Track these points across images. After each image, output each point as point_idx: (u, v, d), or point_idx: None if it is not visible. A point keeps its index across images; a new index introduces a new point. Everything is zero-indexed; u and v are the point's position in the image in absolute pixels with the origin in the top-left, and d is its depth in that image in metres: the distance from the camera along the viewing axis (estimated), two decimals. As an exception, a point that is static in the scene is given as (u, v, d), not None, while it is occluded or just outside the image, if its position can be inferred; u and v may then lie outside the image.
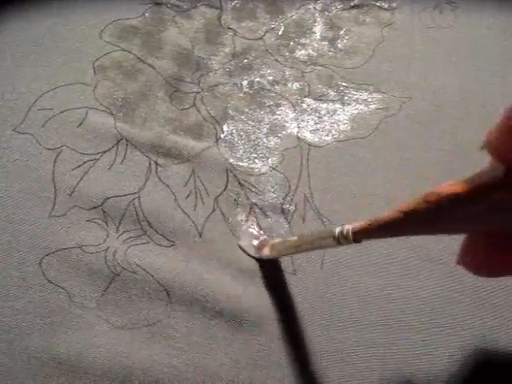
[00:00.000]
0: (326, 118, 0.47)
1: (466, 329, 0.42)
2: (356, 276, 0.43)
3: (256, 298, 0.42)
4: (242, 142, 0.46)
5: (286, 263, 0.43)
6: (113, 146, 0.45)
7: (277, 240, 0.42)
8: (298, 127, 0.46)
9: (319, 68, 0.48)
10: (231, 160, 0.45)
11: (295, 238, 0.40)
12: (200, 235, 0.43)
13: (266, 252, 0.42)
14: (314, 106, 0.47)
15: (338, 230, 0.36)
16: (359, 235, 0.34)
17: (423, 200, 0.31)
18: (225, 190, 0.44)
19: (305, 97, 0.47)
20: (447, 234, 0.34)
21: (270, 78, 0.48)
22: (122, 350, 0.40)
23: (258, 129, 0.46)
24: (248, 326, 0.41)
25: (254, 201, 0.44)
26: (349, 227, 0.35)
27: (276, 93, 0.47)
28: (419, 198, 0.31)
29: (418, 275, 0.43)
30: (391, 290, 0.43)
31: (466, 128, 0.47)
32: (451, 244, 0.44)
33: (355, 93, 0.48)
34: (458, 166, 0.45)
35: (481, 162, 0.44)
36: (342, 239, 0.35)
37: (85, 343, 0.40)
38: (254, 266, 0.43)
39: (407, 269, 0.44)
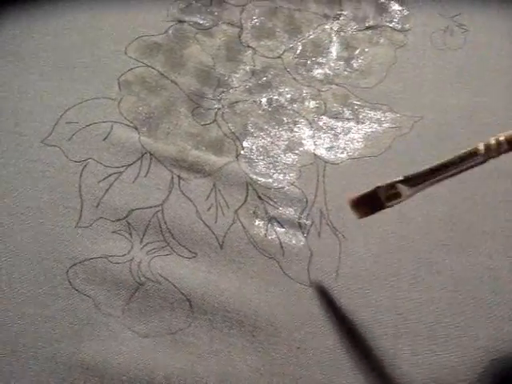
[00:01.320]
0: (341, 136, 0.49)
1: (471, 340, 0.44)
2: (367, 288, 0.45)
3: (274, 308, 0.43)
4: (261, 157, 0.48)
5: (301, 276, 0.45)
6: (137, 160, 0.47)
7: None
8: (315, 144, 0.48)
9: (335, 87, 0.50)
10: (251, 175, 0.47)
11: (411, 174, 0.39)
12: (221, 247, 0.45)
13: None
14: (330, 124, 0.49)
15: (482, 145, 0.36)
16: None
17: None
18: (244, 203, 0.46)
19: (321, 115, 0.49)
20: None
21: (288, 95, 0.50)
22: (146, 357, 0.42)
23: (277, 145, 0.48)
24: (266, 335, 0.43)
25: (272, 214, 0.46)
26: (499, 137, 0.35)
27: (294, 110, 0.49)
28: None
29: (426, 287, 0.46)
30: (400, 303, 0.45)
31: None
32: (459, 257, 0.46)
33: (369, 112, 0.50)
34: (469, 183, 0.48)
35: (488, 180, 0.46)
36: (493, 152, 0.35)
37: (110, 350, 0.42)
38: (274, 276, 0.45)
39: (416, 281, 0.46)
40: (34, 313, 0.43)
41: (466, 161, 0.37)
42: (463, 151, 0.37)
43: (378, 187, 0.41)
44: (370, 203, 0.42)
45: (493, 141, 0.35)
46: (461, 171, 0.38)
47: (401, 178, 0.40)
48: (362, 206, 0.43)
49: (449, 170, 0.38)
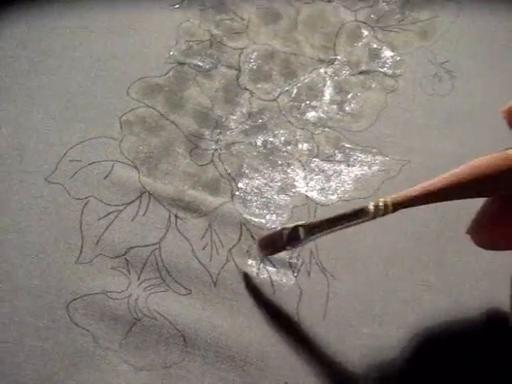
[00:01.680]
0: (332, 178, 0.51)
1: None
2: (354, 327, 0.47)
3: (264, 344, 0.45)
4: (255, 198, 0.50)
5: (291, 311, 0.47)
6: (136, 199, 0.49)
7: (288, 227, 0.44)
8: (307, 186, 0.50)
9: (328, 130, 0.52)
10: (245, 215, 0.49)
11: (310, 221, 0.42)
12: (215, 284, 0.47)
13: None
14: (322, 166, 0.51)
15: (371, 205, 0.38)
16: (400, 205, 0.38)
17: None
18: (238, 242, 0.48)
19: (314, 157, 0.51)
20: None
21: (283, 138, 0.52)
22: (141, 389, 0.44)
23: (270, 187, 0.50)
24: (256, 369, 0.45)
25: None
26: (386, 200, 0.38)
27: (287, 152, 0.51)
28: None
29: (410, 327, 0.48)
30: (385, 342, 0.47)
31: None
32: (443, 297, 0.49)
33: (360, 155, 0.52)
34: (450, 225, 0.49)
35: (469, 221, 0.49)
36: (379, 212, 0.38)
37: (107, 382, 0.44)
38: (265, 313, 0.47)
39: (400, 321, 0.48)
40: (34, 345, 0.45)
41: (356, 217, 0.39)
42: (355, 208, 0.40)
43: (284, 228, 0.44)
44: (274, 243, 0.45)
45: (381, 203, 0.38)
46: (351, 225, 0.41)
47: (303, 222, 0.43)
48: (267, 245, 0.46)
49: (340, 223, 0.40)
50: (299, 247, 0.46)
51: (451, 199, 0.39)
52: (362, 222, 0.40)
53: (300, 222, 0.44)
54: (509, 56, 0.57)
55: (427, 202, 0.39)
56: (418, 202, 0.39)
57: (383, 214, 0.39)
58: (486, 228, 0.41)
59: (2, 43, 0.54)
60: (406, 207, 0.39)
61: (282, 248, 0.45)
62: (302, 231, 0.43)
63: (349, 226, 0.42)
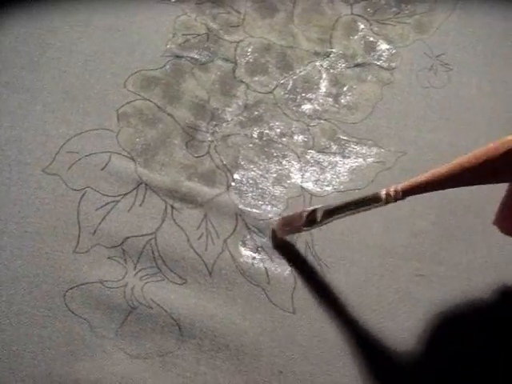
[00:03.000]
0: (327, 170, 0.51)
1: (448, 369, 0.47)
2: (348, 317, 0.47)
3: (259, 333, 0.46)
4: (251, 189, 0.50)
5: (285, 304, 0.47)
6: (133, 189, 0.49)
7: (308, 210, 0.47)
8: (302, 177, 0.51)
9: (323, 122, 0.53)
10: (240, 206, 0.49)
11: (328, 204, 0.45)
12: (210, 274, 0.48)
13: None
14: (317, 157, 0.52)
15: (383, 192, 0.41)
16: (410, 192, 0.40)
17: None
18: (233, 232, 0.49)
19: (309, 149, 0.52)
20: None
21: (278, 130, 0.52)
22: (137, 376, 0.45)
23: (266, 178, 0.51)
24: (251, 358, 0.46)
25: (259, 244, 0.49)
26: (397, 186, 0.41)
27: (283, 144, 0.52)
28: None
29: (405, 316, 0.48)
30: (379, 331, 0.47)
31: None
32: (436, 287, 0.49)
33: (355, 147, 0.52)
34: (446, 219, 0.50)
35: (465, 215, 0.49)
36: (390, 199, 0.41)
37: (103, 370, 0.45)
38: (259, 303, 0.47)
39: (395, 310, 0.48)
40: (31, 333, 0.45)
41: (370, 202, 0.43)
42: (369, 195, 0.43)
43: (304, 211, 0.47)
44: (294, 223, 0.47)
45: (392, 190, 0.41)
46: (365, 210, 0.44)
47: (321, 205, 0.46)
48: (287, 224, 0.48)
49: (356, 207, 0.44)
50: (315, 228, 0.47)
51: (458, 186, 0.40)
52: (375, 207, 0.43)
53: (318, 206, 0.46)
54: (504, 49, 0.57)
55: (435, 189, 0.40)
56: (427, 189, 0.40)
57: (394, 201, 0.41)
58: (509, 218, 0.43)
59: (1, 37, 0.55)
60: (415, 194, 0.41)
61: (300, 228, 0.47)
62: (319, 214, 0.45)
63: (361, 211, 0.44)
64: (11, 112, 0.52)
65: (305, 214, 0.46)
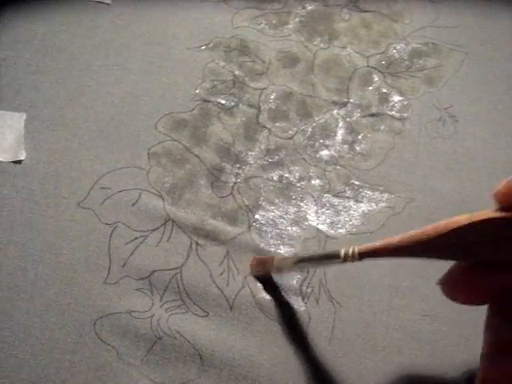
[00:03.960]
0: (341, 213, 0.55)
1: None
2: (357, 352, 0.51)
3: (275, 365, 0.49)
4: (270, 229, 0.54)
5: (300, 335, 0.50)
6: (161, 226, 0.53)
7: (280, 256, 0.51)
8: (318, 219, 0.54)
9: (339, 168, 0.56)
10: (261, 245, 0.53)
11: (296, 255, 0.49)
12: (231, 308, 0.51)
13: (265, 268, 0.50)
14: (333, 201, 0.55)
15: (343, 251, 0.42)
16: (365, 255, 0.41)
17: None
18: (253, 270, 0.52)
19: (325, 193, 0.55)
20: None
21: (297, 174, 0.56)
22: (159, 403, 0.48)
23: (284, 219, 0.54)
24: (266, 389, 0.49)
25: (277, 281, 0.52)
26: (354, 248, 0.42)
27: (301, 188, 0.55)
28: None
29: (409, 354, 0.52)
30: (386, 367, 0.51)
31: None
32: (440, 327, 0.52)
33: (368, 192, 0.56)
34: (450, 262, 0.53)
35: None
36: (348, 258, 0.42)
37: (128, 396, 0.48)
38: (275, 337, 0.51)
39: (401, 348, 0.52)
40: (61, 358, 0.48)
41: (330, 258, 0.44)
42: (331, 252, 0.45)
43: (274, 257, 0.51)
44: (264, 265, 0.51)
45: (350, 250, 0.42)
46: (326, 265, 0.48)
47: (290, 255, 0.51)
48: (258, 264, 0.51)
49: (318, 261, 0.47)
50: (283, 274, 0.51)
51: (410, 256, 0.40)
52: (334, 264, 0.45)
53: (286, 255, 0.51)
54: (507, 104, 0.62)
55: (390, 256, 0.40)
56: (381, 255, 0.40)
57: (351, 261, 0.42)
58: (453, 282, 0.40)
59: (43, 78, 0.58)
60: (370, 257, 0.41)
61: (269, 271, 0.51)
62: (285, 262, 0.50)
63: (324, 265, 0.49)
64: (50, 148, 0.55)
65: (274, 260, 0.50)
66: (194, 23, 0.62)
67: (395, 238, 0.39)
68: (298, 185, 0.56)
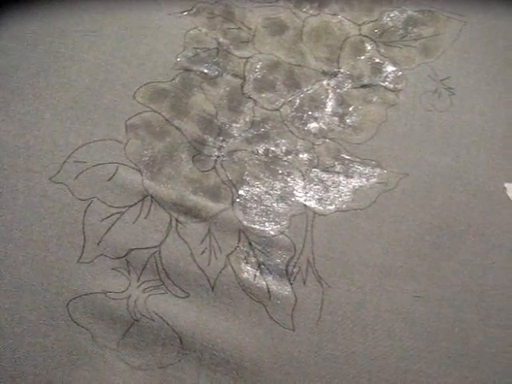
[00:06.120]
0: (331, 189, 0.52)
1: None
2: (346, 334, 0.48)
3: (259, 349, 0.47)
4: (255, 206, 0.51)
5: (285, 320, 0.48)
6: (138, 201, 0.50)
7: None
8: (306, 195, 0.51)
9: (328, 141, 0.54)
10: (244, 222, 0.50)
11: None
12: (212, 288, 0.48)
13: None
14: (321, 176, 0.52)
15: None
16: None
17: None
18: (236, 248, 0.50)
19: (313, 168, 0.52)
20: None
21: (284, 147, 0.53)
22: (136, 388, 0.45)
23: (270, 195, 0.51)
24: (250, 373, 0.46)
25: (261, 260, 0.49)
26: None
27: (288, 162, 0.52)
28: None
29: (400, 336, 0.49)
30: (375, 349, 0.48)
31: (454, 205, 0.53)
32: (433, 309, 0.50)
33: (358, 167, 0.53)
34: (446, 239, 0.51)
35: (464, 236, 0.50)
36: None
37: (103, 380, 0.45)
38: (260, 319, 0.48)
39: (391, 330, 0.49)
40: (33, 341, 0.46)
41: None
42: None
43: None
44: None
45: None
46: None
47: None
48: None
49: None
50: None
51: None
52: None
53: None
54: (506, 75, 0.58)
55: None
56: None
57: None
58: None
59: (12, 43, 0.55)
60: None
61: None
62: None
63: None
64: (20, 119, 0.52)
65: None
66: (176, -12, 0.59)
67: None
68: (285, 159, 0.53)
